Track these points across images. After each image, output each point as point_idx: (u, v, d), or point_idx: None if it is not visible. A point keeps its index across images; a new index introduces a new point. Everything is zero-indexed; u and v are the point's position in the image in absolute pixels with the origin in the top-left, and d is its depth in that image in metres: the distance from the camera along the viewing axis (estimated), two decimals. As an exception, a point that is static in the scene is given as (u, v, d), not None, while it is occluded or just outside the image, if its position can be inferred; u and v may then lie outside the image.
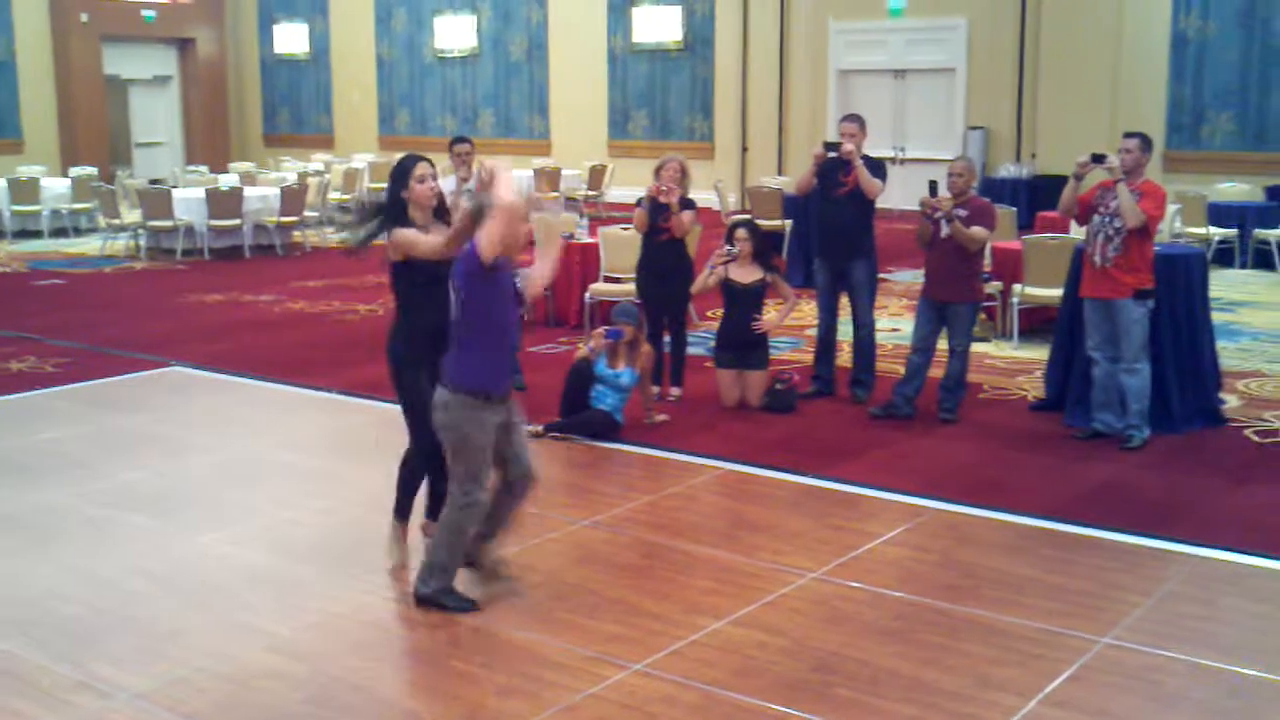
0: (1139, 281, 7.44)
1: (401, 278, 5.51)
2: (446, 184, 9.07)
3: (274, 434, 8.19)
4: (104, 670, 4.72)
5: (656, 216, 8.49)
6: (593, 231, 11.90)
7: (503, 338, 5.16)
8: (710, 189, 18.10)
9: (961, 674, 4.64)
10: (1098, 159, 7.45)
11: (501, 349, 5.16)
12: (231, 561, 5.84)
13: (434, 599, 5.22)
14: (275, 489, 6.96)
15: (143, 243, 16.93)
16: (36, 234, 18.77)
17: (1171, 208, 13.75)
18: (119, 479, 7.06)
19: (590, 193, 21.14)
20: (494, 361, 5.14)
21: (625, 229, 10.54)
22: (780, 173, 20.39)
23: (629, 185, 19.24)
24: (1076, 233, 9.75)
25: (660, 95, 23.05)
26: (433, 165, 5.60)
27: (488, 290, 5.03)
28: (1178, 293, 7.99)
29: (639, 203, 8.62)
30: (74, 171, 20.55)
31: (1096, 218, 7.53)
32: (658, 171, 8.51)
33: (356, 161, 22.78)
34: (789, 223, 14.56)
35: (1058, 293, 9.01)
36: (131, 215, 16.97)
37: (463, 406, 5.05)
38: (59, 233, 18.92)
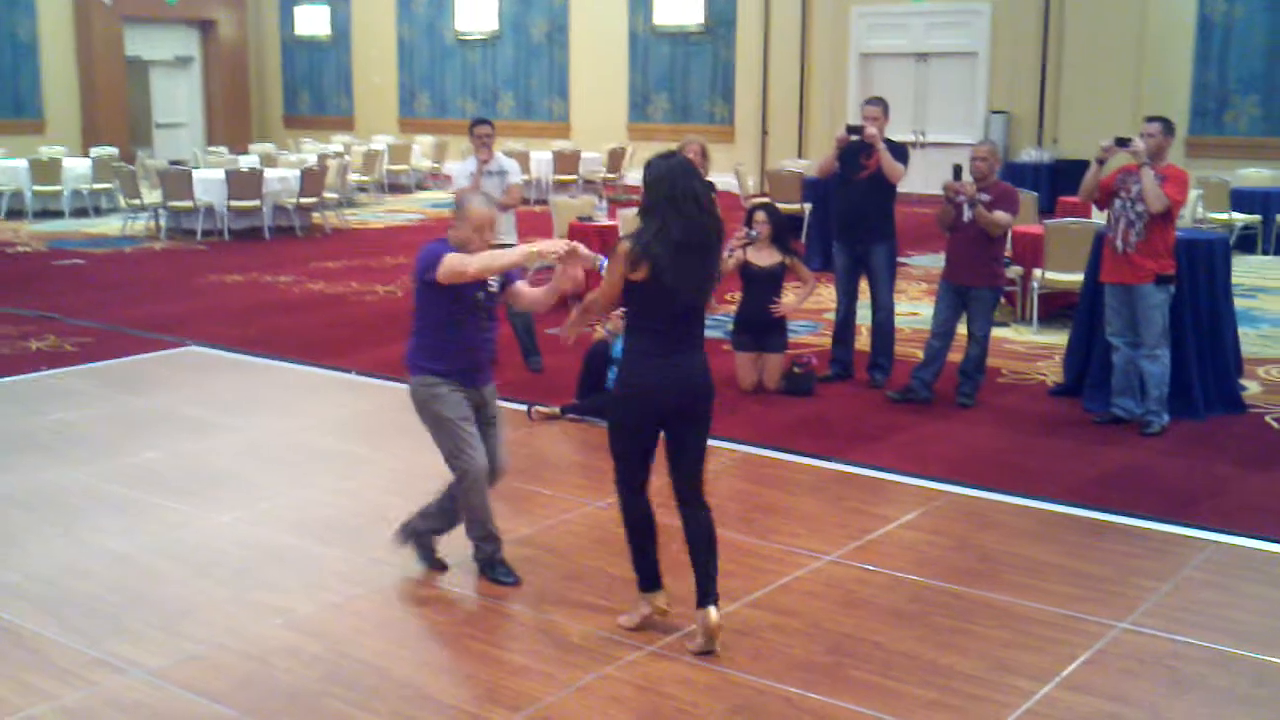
0: (1160, 267, 7.39)
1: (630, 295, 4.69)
2: (467, 166, 9.10)
3: (294, 414, 8.21)
4: (121, 647, 4.74)
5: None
6: (612, 214, 11.88)
7: (446, 341, 5.19)
8: (730, 172, 18.04)
9: (977, 657, 4.63)
10: (1122, 143, 7.39)
11: (447, 349, 5.19)
12: (250, 541, 5.86)
13: (483, 560, 5.35)
14: (295, 469, 6.98)
15: (163, 223, 16.98)
16: (57, 214, 18.82)
17: (1194, 193, 13.66)
18: (138, 458, 7.09)
19: (609, 175, 21.11)
20: (439, 356, 5.19)
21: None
22: (800, 156, 20.32)
23: (648, 168, 19.18)
24: (1098, 218, 9.70)
25: (681, 78, 22.98)
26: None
27: (430, 298, 5.19)
28: (1199, 278, 7.95)
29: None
30: (95, 152, 20.59)
31: (1118, 202, 7.48)
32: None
33: (376, 143, 22.81)
34: (808, 206, 14.52)
35: (1078, 278, 8.96)
36: (152, 196, 17.02)
37: (424, 385, 5.22)
38: (80, 213, 18.97)
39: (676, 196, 4.54)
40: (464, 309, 5.18)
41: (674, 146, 8.53)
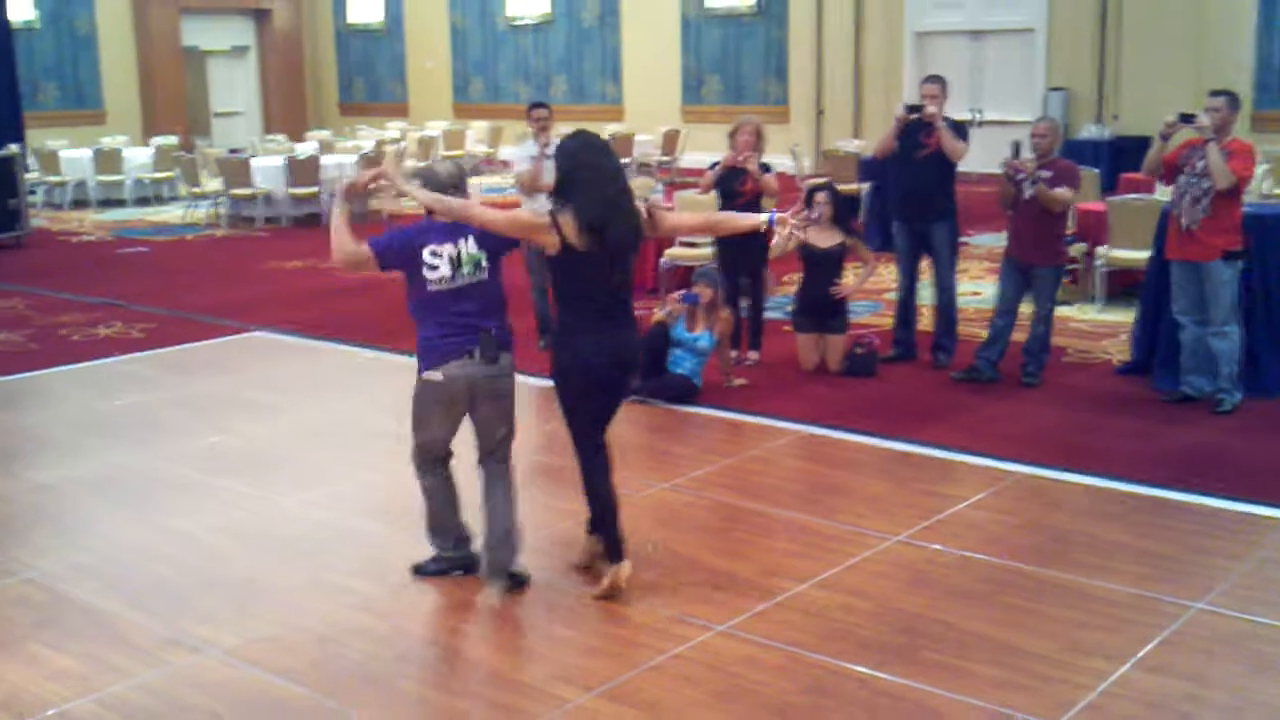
0: (1228, 243, 7.27)
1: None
2: (526, 149, 9.11)
3: (357, 397, 8.26)
4: (195, 627, 4.80)
5: (733, 182, 8.43)
6: (668, 196, 11.85)
7: (426, 317, 5.02)
8: (786, 153, 17.94)
9: (1050, 638, 4.58)
10: (1186, 119, 7.24)
11: (427, 328, 5.01)
12: (318, 522, 5.91)
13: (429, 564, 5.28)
14: (360, 452, 7.03)
15: (223, 210, 17.15)
16: (120, 203, 19.08)
17: (1261, 168, 13.42)
18: (205, 442, 7.16)
19: (664, 158, 21.06)
20: (423, 339, 5.05)
21: (702, 195, 10.47)
22: (856, 136, 20.16)
23: (703, 150, 19.13)
24: (1162, 194, 9.54)
25: (734, 60, 22.85)
26: None
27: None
28: (1269, 253, 7.80)
29: (712, 166, 8.58)
30: (156, 141, 20.83)
31: (1183, 178, 7.35)
32: (733, 135, 8.44)
33: (431, 129, 22.89)
34: (865, 186, 14.40)
35: (1144, 255, 8.83)
36: (212, 184, 17.19)
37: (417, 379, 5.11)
38: (142, 201, 19.22)
39: (592, 169, 4.78)
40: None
41: (728, 128, 8.58)
